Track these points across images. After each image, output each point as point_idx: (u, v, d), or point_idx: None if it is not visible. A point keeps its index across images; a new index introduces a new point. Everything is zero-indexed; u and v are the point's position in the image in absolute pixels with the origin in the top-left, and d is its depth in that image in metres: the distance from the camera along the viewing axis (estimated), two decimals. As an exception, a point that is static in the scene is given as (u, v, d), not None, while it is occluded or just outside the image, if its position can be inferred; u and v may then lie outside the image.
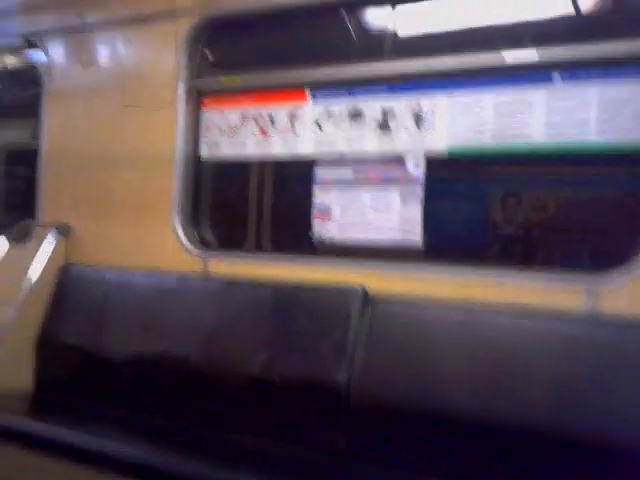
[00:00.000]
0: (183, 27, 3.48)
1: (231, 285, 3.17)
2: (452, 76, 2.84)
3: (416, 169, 2.92)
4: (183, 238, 3.43)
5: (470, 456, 2.45)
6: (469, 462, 2.45)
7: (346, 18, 3.33)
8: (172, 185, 3.47)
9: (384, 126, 3.01)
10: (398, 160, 2.97)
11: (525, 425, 2.37)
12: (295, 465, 2.61)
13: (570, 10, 2.80)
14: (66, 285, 3.65)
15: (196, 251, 3.39)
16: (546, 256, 2.82)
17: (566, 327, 2.44)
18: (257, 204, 3.75)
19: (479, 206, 3.04)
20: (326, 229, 3.16)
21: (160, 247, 3.49)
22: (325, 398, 2.71)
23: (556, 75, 2.63)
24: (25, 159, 4.57)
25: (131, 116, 3.66)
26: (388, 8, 3.07)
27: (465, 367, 2.53)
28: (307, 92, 3.25)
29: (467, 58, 2.79)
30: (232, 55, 3.76)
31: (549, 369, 2.41)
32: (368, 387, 2.65)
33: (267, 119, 3.35)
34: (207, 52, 3.59)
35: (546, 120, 2.64)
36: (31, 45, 4.11)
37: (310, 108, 3.23)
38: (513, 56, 2.70)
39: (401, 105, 2.96)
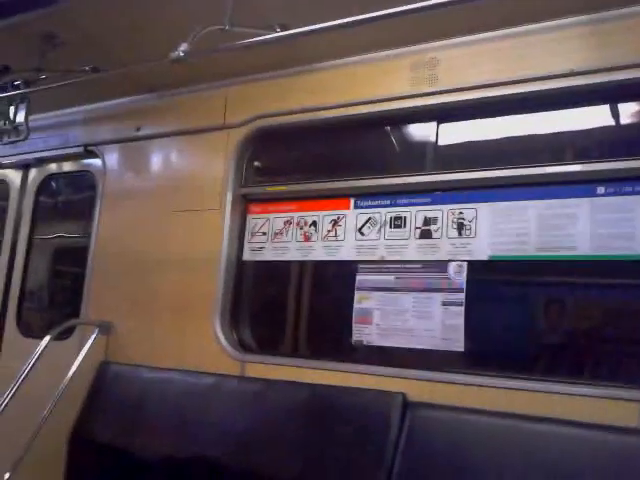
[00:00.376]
0: (232, 139, 3.69)
1: (268, 386, 3.14)
2: (495, 187, 2.92)
3: (458, 276, 2.94)
4: (223, 340, 3.44)
5: None
6: None
7: (389, 131, 3.50)
8: (215, 288, 3.54)
9: (426, 234, 3.07)
10: (440, 267, 2.99)
11: None
12: None
13: (612, 124, 2.90)
14: (103, 382, 3.65)
15: (235, 354, 3.39)
16: (595, 367, 2.74)
17: (618, 441, 2.33)
18: (296, 307, 3.78)
19: (522, 314, 3.00)
20: (366, 334, 3.15)
21: (199, 349, 3.49)
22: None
23: (600, 188, 2.69)
24: (72, 258, 4.72)
25: (179, 220, 3.80)
26: (432, 124, 3.23)
27: (510, 481, 2.41)
28: (350, 201, 3.36)
29: (510, 170, 2.88)
30: (278, 164, 3.93)
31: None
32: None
33: (311, 225, 3.45)
34: (254, 161, 3.77)
35: (590, 232, 2.67)
36: (89, 152, 4.38)
37: (353, 216, 3.32)
38: (556, 169, 2.78)
39: (443, 214, 3.04)
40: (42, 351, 3.58)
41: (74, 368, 3.64)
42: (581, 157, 2.79)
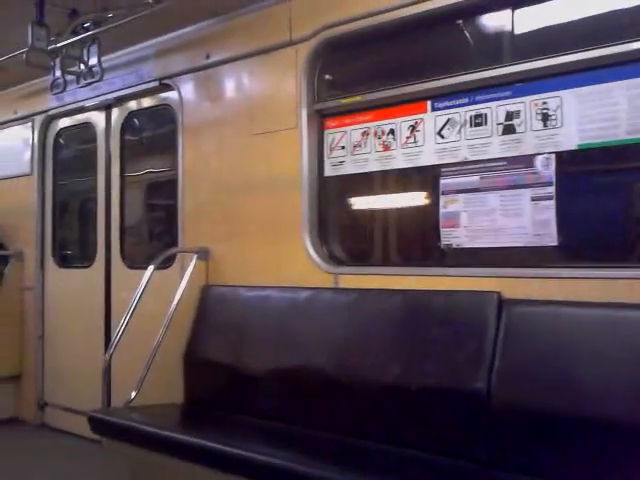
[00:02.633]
0: (301, 54, 3.64)
1: (362, 295, 3.23)
2: (579, 71, 2.75)
3: (546, 169, 2.84)
4: (314, 255, 3.53)
5: (618, 465, 2.30)
6: (617, 472, 2.30)
7: (462, 26, 3.34)
8: (300, 205, 3.61)
9: (509, 129, 2.96)
10: (526, 162, 2.90)
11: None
12: (436, 472, 2.59)
13: None
14: (207, 304, 3.88)
15: (327, 267, 3.49)
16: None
17: None
18: (383, 217, 3.81)
19: (617, 202, 2.89)
20: (455, 237, 3.14)
21: (292, 265, 3.62)
22: (465, 406, 2.67)
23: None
24: (163, 191, 4.92)
25: (259, 143, 3.85)
26: (506, 11, 3.05)
27: (612, 370, 2.39)
28: (428, 103, 3.27)
29: (594, 51, 2.69)
30: (350, 75, 3.86)
31: None
32: (509, 394, 2.58)
33: (389, 134, 3.40)
34: (325, 75, 3.72)
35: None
36: (165, 86, 4.45)
37: (431, 119, 3.25)
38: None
39: (526, 106, 2.91)
40: (148, 280, 3.82)
41: (179, 293, 3.87)
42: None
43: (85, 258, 5.21)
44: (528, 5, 3.01)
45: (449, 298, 2.94)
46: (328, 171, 3.65)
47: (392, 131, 3.39)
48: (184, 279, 3.93)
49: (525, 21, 3.06)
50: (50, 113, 5.36)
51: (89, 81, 4.44)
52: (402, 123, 3.36)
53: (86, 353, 4.81)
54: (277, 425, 3.22)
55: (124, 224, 4.83)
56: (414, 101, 3.32)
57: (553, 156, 2.83)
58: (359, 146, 3.52)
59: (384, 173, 3.56)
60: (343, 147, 3.59)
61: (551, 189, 2.83)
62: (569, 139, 2.79)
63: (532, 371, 2.58)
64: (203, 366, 3.70)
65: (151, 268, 3.86)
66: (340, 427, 3.03)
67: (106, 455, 3.82)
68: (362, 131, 3.51)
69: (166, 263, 4.18)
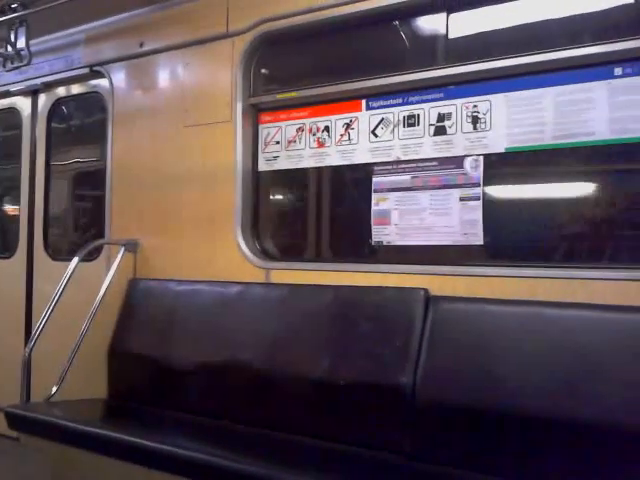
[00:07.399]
0: (238, 47, 3.60)
1: (292, 291, 3.23)
2: (509, 77, 2.84)
3: (475, 171, 2.92)
4: (245, 250, 3.51)
5: (537, 458, 2.39)
6: (537, 464, 2.39)
7: (399, 27, 3.39)
8: (233, 199, 3.57)
9: (441, 130, 3.03)
10: (456, 162, 2.97)
11: (596, 425, 2.30)
12: (362, 466, 2.62)
13: (630, 1, 2.76)
14: (134, 298, 3.78)
15: (258, 262, 3.47)
16: (615, 252, 2.75)
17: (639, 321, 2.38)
18: (316, 214, 3.82)
19: (541, 204, 3.00)
20: (385, 234, 3.18)
21: (223, 259, 3.58)
22: (390, 401, 2.72)
23: (617, 69, 2.60)
24: (91, 181, 4.77)
25: (192, 135, 3.79)
26: (441, 15, 3.11)
27: (532, 366, 2.48)
28: (362, 102, 3.30)
29: (523, 58, 2.79)
30: (287, 70, 3.86)
31: (623, 367, 2.34)
32: (433, 389, 2.64)
33: (323, 131, 3.42)
34: (262, 69, 3.70)
35: (608, 116, 2.61)
36: (95, 73, 4.32)
37: (366, 117, 3.29)
38: (571, 53, 2.68)
39: (457, 108, 2.98)
40: (72, 272, 3.69)
41: (105, 286, 3.76)
42: (597, 38, 2.68)
43: (6, 248, 5.00)
44: (462, 10, 3.10)
45: (378, 294, 2.97)
46: (262, 166, 3.63)
47: (327, 128, 3.41)
48: (110, 272, 3.82)
49: (459, 25, 3.14)
50: (-29, 96, 5.12)
51: (16, 65, 4.27)
52: (337, 121, 3.38)
53: (5, 347, 4.61)
54: (203, 420, 3.18)
55: (48, 214, 4.66)
56: (349, 99, 3.34)
57: (481, 158, 2.92)
58: (294, 142, 3.52)
59: (319, 169, 3.58)
60: (278, 142, 3.58)
61: (478, 190, 2.91)
62: (497, 142, 2.88)
63: (457, 366, 2.64)
64: (128, 360, 3.61)
65: (75, 260, 3.73)
66: (268, 422, 3.02)
67: (24, 452, 3.68)
68: (297, 127, 3.51)
69: (92, 255, 4.06)
